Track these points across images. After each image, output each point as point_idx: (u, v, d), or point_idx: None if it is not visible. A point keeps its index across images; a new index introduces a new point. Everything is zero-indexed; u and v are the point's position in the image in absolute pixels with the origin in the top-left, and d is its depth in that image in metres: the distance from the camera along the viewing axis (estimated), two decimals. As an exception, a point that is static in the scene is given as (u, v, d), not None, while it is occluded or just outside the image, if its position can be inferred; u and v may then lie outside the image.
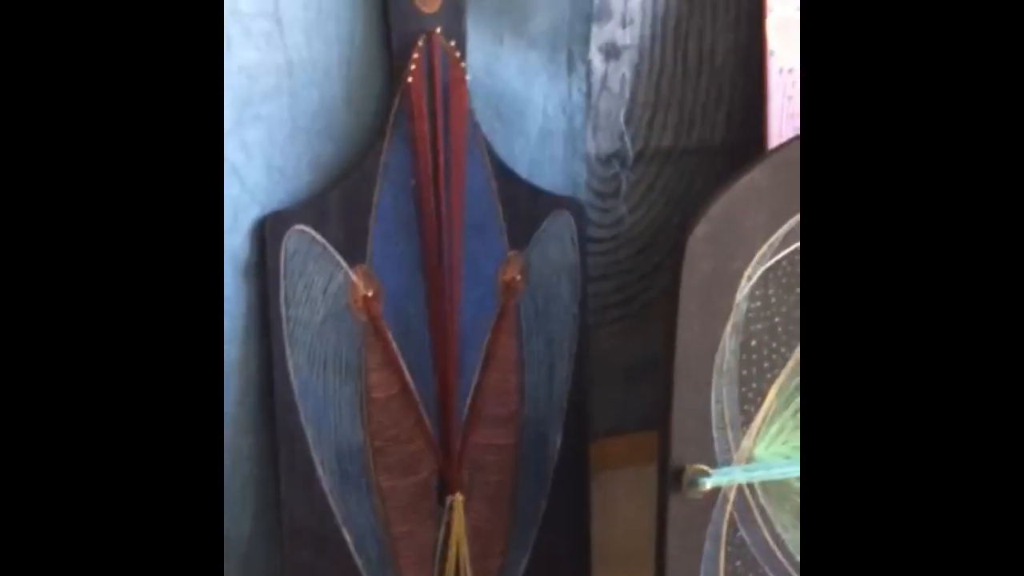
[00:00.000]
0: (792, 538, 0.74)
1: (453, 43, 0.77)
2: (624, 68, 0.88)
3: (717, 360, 0.70)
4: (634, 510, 0.83)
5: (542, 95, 0.84)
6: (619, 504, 0.92)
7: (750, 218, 0.70)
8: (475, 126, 0.79)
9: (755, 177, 0.70)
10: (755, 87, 0.90)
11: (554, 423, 0.85)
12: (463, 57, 0.78)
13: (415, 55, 0.75)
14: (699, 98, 0.92)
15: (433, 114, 0.76)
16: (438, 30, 0.76)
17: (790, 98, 0.89)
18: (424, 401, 0.78)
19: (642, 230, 0.91)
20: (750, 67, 0.91)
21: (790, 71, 0.89)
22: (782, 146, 0.73)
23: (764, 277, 0.71)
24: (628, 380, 0.91)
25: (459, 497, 0.79)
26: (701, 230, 0.68)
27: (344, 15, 0.74)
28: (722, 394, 0.71)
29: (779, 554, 0.74)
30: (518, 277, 0.82)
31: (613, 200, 0.90)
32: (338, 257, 0.75)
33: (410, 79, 0.75)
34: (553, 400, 0.84)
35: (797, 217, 0.72)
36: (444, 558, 0.80)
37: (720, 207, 0.69)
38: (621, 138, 0.89)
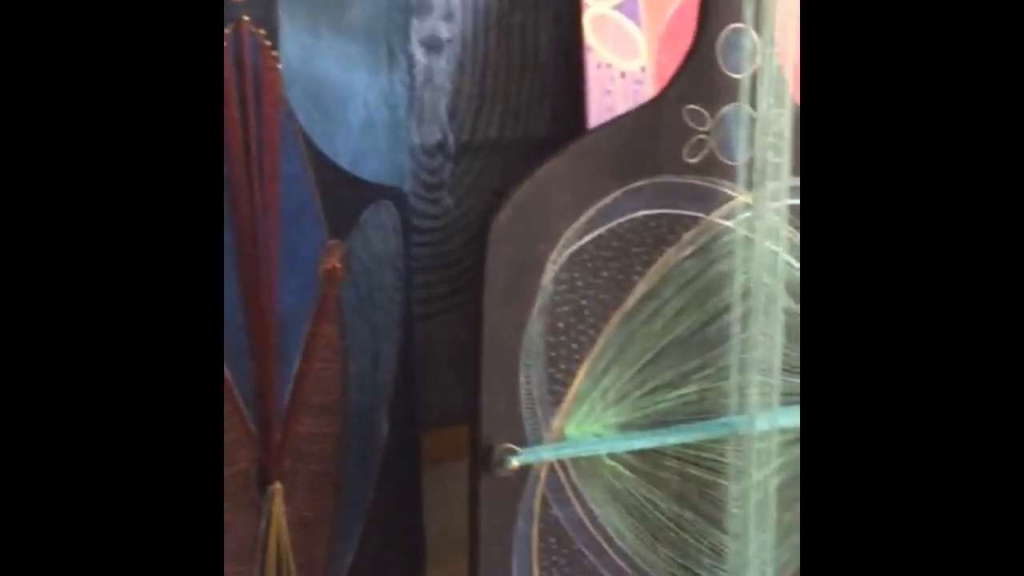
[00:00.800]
0: (604, 512, 0.77)
1: (263, 32, 0.77)
2: (447, 61, 0.90)
3: (524, 342, 0.72)
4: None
5: (363, 86, 0.85)
6: (456, 494, 0.93)
7: (553, 204, 0.72)
8: (291, 115, 0.79)
9: (557, 164, 0.72)
10: (577, 85, 0.93)
11: (381, 412, 0.85)
12: (275, 46, 0.78)
13: (223, 45, 0.75)
14: (524, 91, 0.94)
15: (244, 102, 0.76)
16: (246, 18, 0.76)
17: (608, 92, 0.92)
18: (241, 390, 0.77)
19: (469, 221, 0.93)
20: (572, 62, 0.93)
21: (608, 66, 0.92)
22: (583, 135, 0.75)
23: (569, 261, 0.73)
24: (460, 369, 0.92)
25: (278, 487, 0.79)
26: (504, 216, 0.70)
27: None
28: (531, 375, 0.72)
29: (592, 529, 0.76)
30: (339, 266, 0.82)
31: (439, 191, 0.91)
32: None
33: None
34: (379, 389, 0.85)
35: (601, 202, 0.74)
36: (266, 549, 0.80)
37: (523, 194, 0.71)
38: (445, 130, 0.90)
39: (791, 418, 0.81)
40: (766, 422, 0.78)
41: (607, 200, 0.74)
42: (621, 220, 0.75)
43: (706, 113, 0.77)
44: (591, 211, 0.74)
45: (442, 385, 0.90)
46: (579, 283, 0.73)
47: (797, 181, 0.79)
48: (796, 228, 0.80)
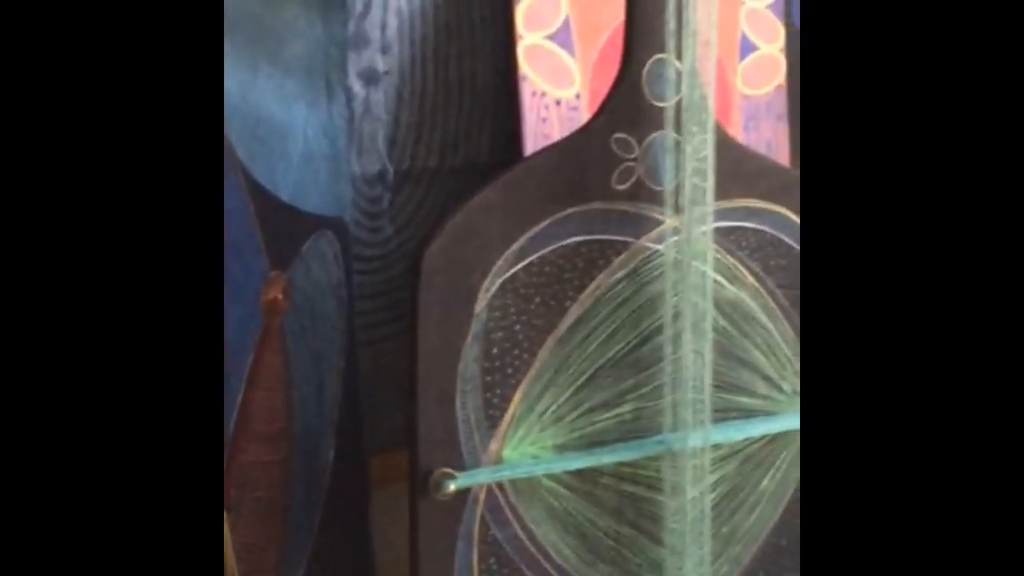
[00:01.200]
0: (543, 532, 0.79)
1: (202, 70, 0.78)
2: (385, 92, 0.92)
3: (460, 368, 0.74)
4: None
5: (302, 119, 0.87)
6: (404, 516, 0.95)
7: (485, 234, 0.74)
8: (230, 151, 0.81)
9: (488, 195, 0.74)
10: (515, 111, 0.95)
11: (326, 438, 0.87)
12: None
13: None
14: (462, 120, 0.96)
15: (183, 140, 0.77)
16: (185, 58, 0.77)
17: (544, 119, 0.95)
18: (184, 423, 0.79)
19: (410, 248, 0.95)
20: (508, 90, 0.96)
21: (543, 94, 0.94)
22: (512, 167, 0.78)
23: (502, 288, 0.75)
24: (404, 394, 0.94)
25: (225, 515, 0.80)
26: (437, 246, 0.72)
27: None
28: (467, 401, 0.74)
29: (532, 548, 0.79)
30: (280, 296, 0.84)
31: (380, 220, 0.93)
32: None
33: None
34: (324, 416, 0.86)
35: (532, 230, 0.77)
36: (214, 577, 0.81)
37: (455, 224, 0.73)
38: (384, 160, 0.92)
39: (724, 434, 0.84)
40: (699, 439, 0.80)
41: (538, 228, 0.77)
42: (552, 247, 0.77)
43: (633, 141, 0.79)
44: (522, 240, 0.76)
45: (387, 409, 0.92)
46: (512, 309, 0.76)
47: (723, 204, 0.82)
48: (724, 249, 0.83)
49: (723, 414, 0.84)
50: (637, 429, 0.81)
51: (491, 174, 0.96)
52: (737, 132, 1.06)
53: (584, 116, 0.95)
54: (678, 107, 0.79)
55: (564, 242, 0.78)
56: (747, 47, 1.07)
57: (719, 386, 0.83)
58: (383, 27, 0.90)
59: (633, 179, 0.80)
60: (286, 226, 0.84)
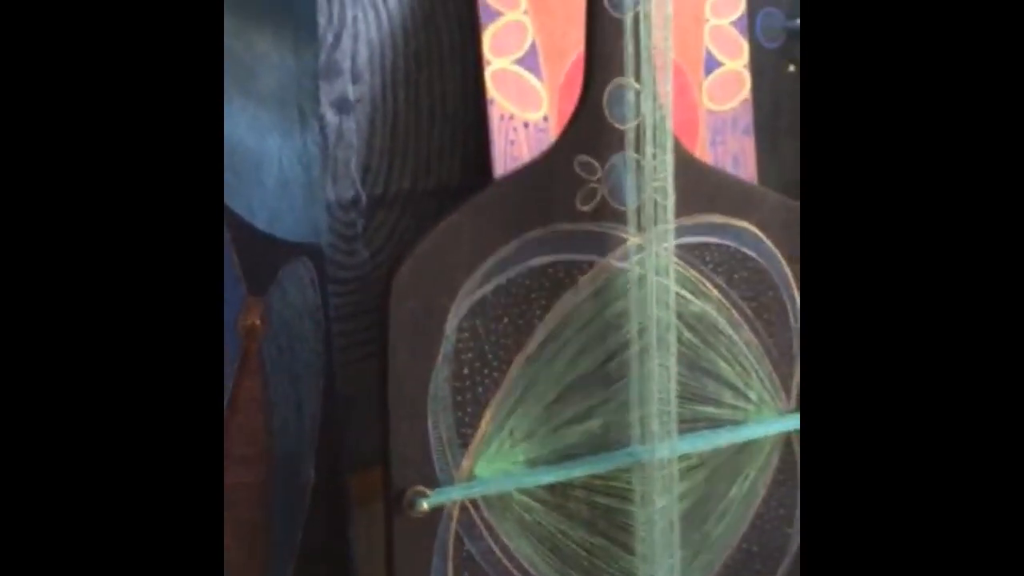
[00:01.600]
0: (517, 545, 0.81)
1: (176, 106, 0.81)
2: (357, 120, 0.94)
3: (431, 389, 0.76)
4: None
5: (276, 149, 0.89)
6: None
7: (452, 257, 0.77)
8: (205, 182, 0.83)
9: (455, 219, 0.77)
10: (485, 133, 0.98)
11: (306, 458, 0.89)
12: (188, 118, 0.82)
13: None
14: (434, 144, 0.99)
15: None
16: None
17: (512, 142, 0.97)
18: (166, 447, 0.81)
19: (385, 270, 0.97)
20: (477, 114, 0.98)
21: (510, 117, 0.97)
22: (479, 192, 0.80)
23: (470, 310, 0.78)
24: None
25: (208, 537, 0.83)
26: (406, 269, 0.74)
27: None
28: (438, 420, 0.77)
29: (506, 562, 0.81)
30: (258, 322, 0.86)
31: (355, 243, 0.96)
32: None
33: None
34: (304, 436, 0.89)
35: (499, 253, 0.79)
36: (198, 597, 0.83)
37: (423, 248, 0.75)
38: (358, 185, 0.95)
39: (692, 444, 0.86)
40: (667, 450, 0.83)
41: (505, 250, 0.79)
42: (519, 269, 0.80)
43: (596, 163, 0.82)
44: (490, 261, 0.78)
45: (365, 428, 0.94)
46: (481, 330, 0.78)
47: (685, 221, 0.85)
48: (687, 264, 0.86)
49: (691, 424, 0.86)
50: (607, 442, 0.83)
51: (462, 196, 0.99)
52: (704, 147, 1.09)
53: (552, 138, 0.98)
54: (638, 128, 0.82)
55: (531, 263, 0.80)
56: (712, 63, 1.10)
57: (686, 397, 0.86)
58: (354, 57, 0.93)
59: (597, 200, 0.82)
60: (263, 253, 0.86)
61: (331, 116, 0.93)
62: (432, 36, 0.97)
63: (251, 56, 0.86)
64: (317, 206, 0.92)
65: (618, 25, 0.81)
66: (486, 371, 0.79)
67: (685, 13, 1.08)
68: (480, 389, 0.78)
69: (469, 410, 0.78)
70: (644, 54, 0.81)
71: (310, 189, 0.92)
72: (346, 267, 0.95)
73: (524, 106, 0.97)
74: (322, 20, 0.90)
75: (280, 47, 0.87)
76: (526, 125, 0.98)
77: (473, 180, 0.99)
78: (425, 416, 0.76)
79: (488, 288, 0.78)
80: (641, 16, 0.81)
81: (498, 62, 0.96)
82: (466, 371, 0.78)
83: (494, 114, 0.96)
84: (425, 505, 0.74)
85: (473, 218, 0.78)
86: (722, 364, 0.88)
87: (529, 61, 0.98)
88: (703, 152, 1.10)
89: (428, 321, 0.76)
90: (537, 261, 0.81)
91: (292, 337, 0.88)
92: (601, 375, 0.83)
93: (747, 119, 1.11)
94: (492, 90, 0.96)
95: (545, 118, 0.98)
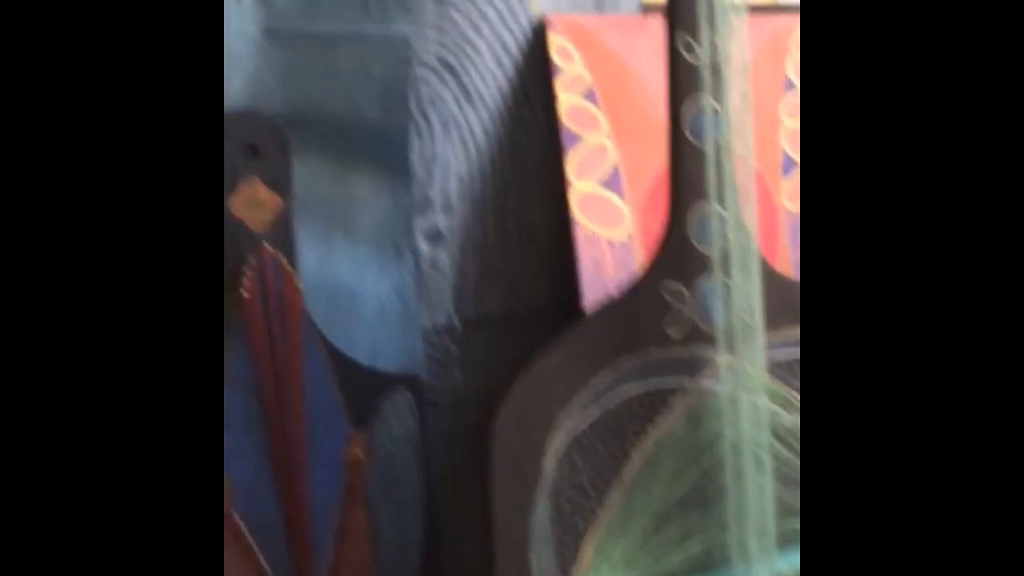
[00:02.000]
0: (622, 674, 0.82)
1: (283, 255, 0.86)
2: (449, 248, 0.98)
3: (532, 524, 0.79)
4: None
5: (374, 282, 0.94)
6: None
7: (550, 394, 0.79)
8: (310, 324, 0.88)
9: (550, 356, 0.80)
10: (571, 252, 1.01)
11: (411, 584, 0.92)
12: (294, 265, 0.87)
13: (248, 272, 0.84)
14: (523, 267, 1.02)
15: (268, 321, 0.85)
16: (268, 245, 0.85)
17: (598, 261, 1.00)
18: (281, 582, 0.85)
19: (479, 391, 1.00)
20: (565, 234, 1.02)
21: (596, 238, 1.00)
22: (570, 330, 0.83)
23: (568, 444, 0.80)
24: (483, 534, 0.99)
25: (319, 667, 0.86)
26: (505, 412, 0.77)
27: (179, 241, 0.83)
28: (540, 553, 0.79)
29: None
30: (362, 455, 0.90)
31: (450, 367, 0.99)
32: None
33: (245, 293, 0.83)
34: (409, 564, 0.91)
35: (594, 385, 0.81)
36: None
37: (520, 389, 0.78)
38: (451, 311, 0.99)
39: (789, 561, 0.86)
40: (766, 568, 0.83)
41: (599, 383, 0.81)
42: (613, 399, 0.82)
43: (683, 288, 0.84)
44: (584, 395, 0.81)
45: (469, 554, 0.96)
46: (578, 462, 0.80)
47: (774, 337, 0.86)
48: (778, 380, 0.87)
49: (789, 540, 0.87)
50: (707, 564, 0.84)
51: (551, 317, 1.02)
52: (785, 248, 1.10)
53: (636, 255, 1.00)
54: (723, 251, 0.84)
55: (624, 392, 0.82)
56: (788, 164, 1.11)
57: (783, 513, 0.86)
58: (445, 190, 0.97)
59: (686, 324, 0.84)
60: (364, 386, 0.90)
61: (424, 247, 0.97)
62: (517, 163, 1.01)
63: (351, 199, 0.91)
64: (413, 335, 0.96)
65: (699, 152, 0.83)
66: (584, 502, 0.80)
67: (761, 115, 1.10)
68: (579, 520, 0.80)
69: (569, 542, 0.80)
70: (726, 179, 0.83)
71: (406, 319, 0.96)
72: (442, 391, 0.98)
73: (608, 226, 1.00)
74: (415, 158, 0.94)
75: (377, 187, 0.92)
76: (611, 244, 1.00)
77: (560, 299, 1.02)
78: (527, 549, 0.78)
79: (584, 421, 0.81)
80: (722, 144, 0.83)
81: (582, 185, 0.99)
82: (565, 504, 0.80)
83: (580, 236, 0.99)
84: (531, 638, 0.76)
85: (566, 353, 0.80)
86: (818, 479, 0.88)
87: (612, 182, 1.01)
88: (784, 252, 1.11)
89: (528, 460, 0.78)
90: (630, 390, 0.83)
91: (395, 467, 0.91)
92: (698, 497, 0.84)
93: (829, 219, 1.12)
94: (577, 213, 0.99)
95: (630, 236, 1.01)
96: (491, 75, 0.97)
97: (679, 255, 0.84)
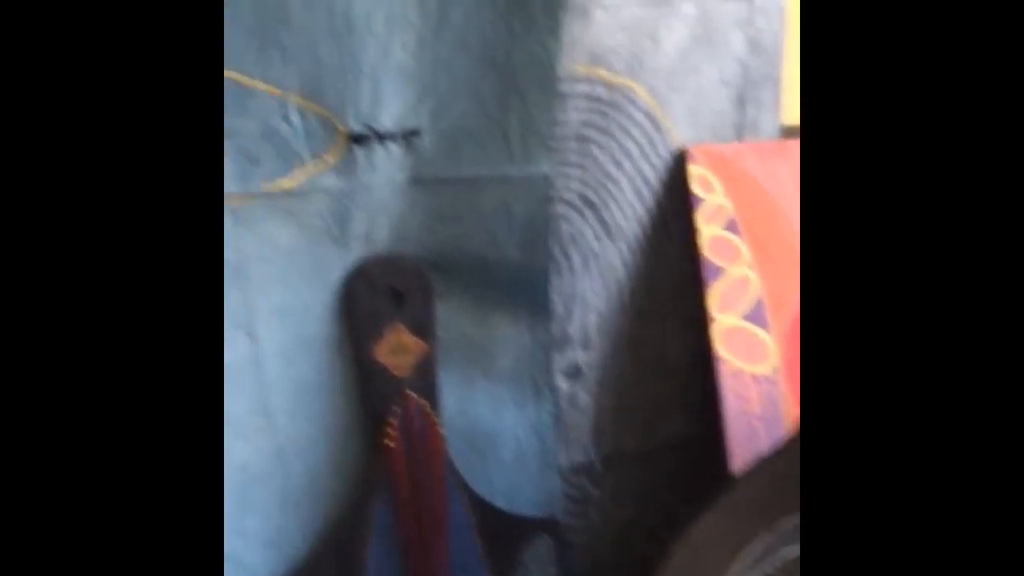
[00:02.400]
0: None
1: (426, 400, 0.85)
2: (587, 385, 0.96)
3: None
4: None
5: (512, 422, 0.92)
6: None
7: (706, 561, 0.76)
8: (453, 471, 0.86)
9: (705, 523, 0.76)
10: (707, 383, 0.98)
11: None
12: (437, 410, 0.86)
13: (391, 419, 0.83)
14: (659, 400, 0.99)
15: (412, 468, 0.83)
16: (411, 392, 0.84)
17: (742, 396, 0.97)
18: None
19: (614, 529, 0.97)
20: (701, 365, 0.99)
21: (741, 372, 0.97)
22: (729, 490, 0.79)
23: (727, 607, 0.76)
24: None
25: None
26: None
27: (326, 390, 0.82)
28: None
29: None
30: (504, 606, 0.88)
31: (585, 505, 0.96)
32: (333, 613, 0.80)
33: (390, 443, 0.82)
34: None
35: (753, 549, 0.78)
36: None
37: (677, 558, 0.75)
38: (588, 449, 0.96)
39: None
40: None
41: (758, 546, 0.78)
42: (775, 562, 0.78)
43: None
44: (742, 561, 0.77)
45: None
46: (738, 629, 0.77)
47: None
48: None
49: None
50: None
51: (687, 452, 0.99)
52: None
53: (782, 389, 0.97)
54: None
55: (785, 555, 0.78)
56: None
57: None
58: (584, 325, 0.95)
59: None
60: (505, 533, 0.88)
61: (563, 384, 0.95)
62: (653, 294, 0.98)
63: (491, 340, 0.89)
64: (552, 474, 0.94)
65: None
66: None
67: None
68: None
69: None
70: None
71: (545, 458, 0.93)
72: (578, 531, 0.96)
73: (753, 360, 0.97)
74: (554, 295, 0.92)
75: (517, 325, 0.91)
76: (755, 379, 0.97)
77: (697, 432, 0.99)
78: None
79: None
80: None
81: (725, 319, 0.97)
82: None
83: (724, 372, 0.96)
84: None
85: (721, 519, 0.77)
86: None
87: (755, 315, 0.98)
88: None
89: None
90: (790, 551, 0.79)
91: (535, 614, 0.89)
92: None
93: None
94: (721, 348, 0.96)
95: (774, 370, 0.98)
96: (631, 208, 0.95)
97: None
